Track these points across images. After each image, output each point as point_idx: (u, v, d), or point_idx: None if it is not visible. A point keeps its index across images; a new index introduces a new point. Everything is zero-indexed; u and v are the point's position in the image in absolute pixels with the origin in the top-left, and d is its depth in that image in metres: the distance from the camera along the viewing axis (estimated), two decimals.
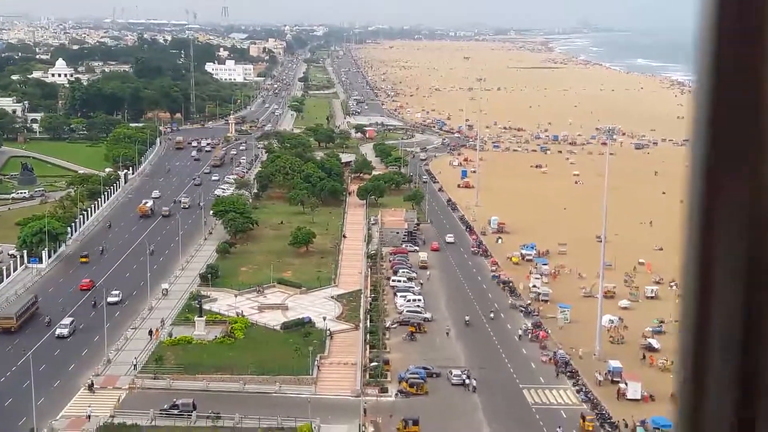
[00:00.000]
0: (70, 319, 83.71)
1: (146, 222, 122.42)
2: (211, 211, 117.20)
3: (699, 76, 0.98)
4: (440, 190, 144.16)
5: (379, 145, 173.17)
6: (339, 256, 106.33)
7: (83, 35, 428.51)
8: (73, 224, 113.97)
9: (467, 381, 73.08)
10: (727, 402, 1.00)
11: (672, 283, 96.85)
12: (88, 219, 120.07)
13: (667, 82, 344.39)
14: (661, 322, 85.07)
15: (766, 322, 0.98)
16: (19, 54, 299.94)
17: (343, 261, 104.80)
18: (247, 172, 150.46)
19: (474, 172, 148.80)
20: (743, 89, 0.93)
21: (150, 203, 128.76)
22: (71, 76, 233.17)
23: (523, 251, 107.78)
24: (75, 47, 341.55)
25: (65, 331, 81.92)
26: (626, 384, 71.76)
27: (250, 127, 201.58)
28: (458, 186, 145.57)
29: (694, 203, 1.00)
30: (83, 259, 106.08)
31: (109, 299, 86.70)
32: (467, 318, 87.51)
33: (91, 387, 72.25)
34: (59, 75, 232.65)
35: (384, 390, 71.86)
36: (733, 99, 0.94)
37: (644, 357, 78.45)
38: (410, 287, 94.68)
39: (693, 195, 1.01)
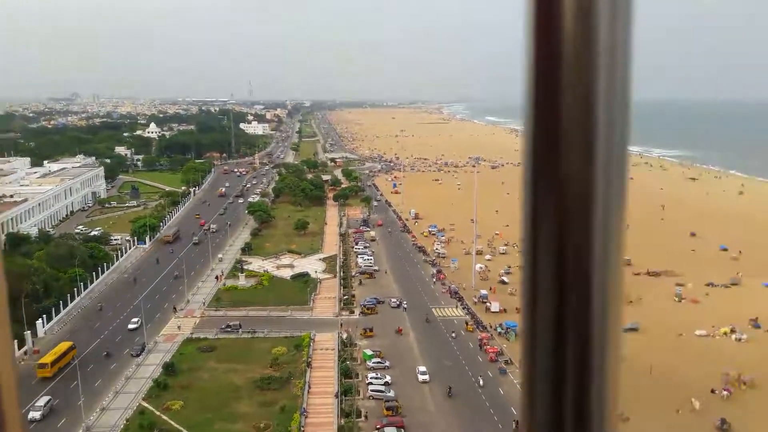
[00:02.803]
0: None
1: (222, 200, 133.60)
2: (246, 211, 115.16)
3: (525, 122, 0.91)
4: (381, 195, 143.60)
5: (345, 169, 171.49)
6: (323, 235, 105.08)
7: (166, 108, 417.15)
8: (163, 221, 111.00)
9: (400, 304, 73.21)
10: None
11: (514, 245, 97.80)
12: (172, 218, 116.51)
13: (508, 130, 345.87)
14: (509, 266, 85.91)
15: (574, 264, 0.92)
16: (128, 120, 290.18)
17: (325, 237, 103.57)
18: (267, 187, 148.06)
19: (400, 184, 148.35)
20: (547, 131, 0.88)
21: (224, 189, 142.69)
22: (159, 133, 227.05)
23: (430, 229, 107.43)
24: (161, 115, 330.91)
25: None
26: (490, 303, 72.23)
27: (268, 161, 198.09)
28: (391, 192, 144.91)
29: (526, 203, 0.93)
30: (197, 216, 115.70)
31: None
32: (399, 269, 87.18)
33: (174, 310, 71.15)
34: (152, 132, 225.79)
35: (352, 312, 71.53)
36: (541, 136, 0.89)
37: (491, 289, 78.24)
38: (365, 252, 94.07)
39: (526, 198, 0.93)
